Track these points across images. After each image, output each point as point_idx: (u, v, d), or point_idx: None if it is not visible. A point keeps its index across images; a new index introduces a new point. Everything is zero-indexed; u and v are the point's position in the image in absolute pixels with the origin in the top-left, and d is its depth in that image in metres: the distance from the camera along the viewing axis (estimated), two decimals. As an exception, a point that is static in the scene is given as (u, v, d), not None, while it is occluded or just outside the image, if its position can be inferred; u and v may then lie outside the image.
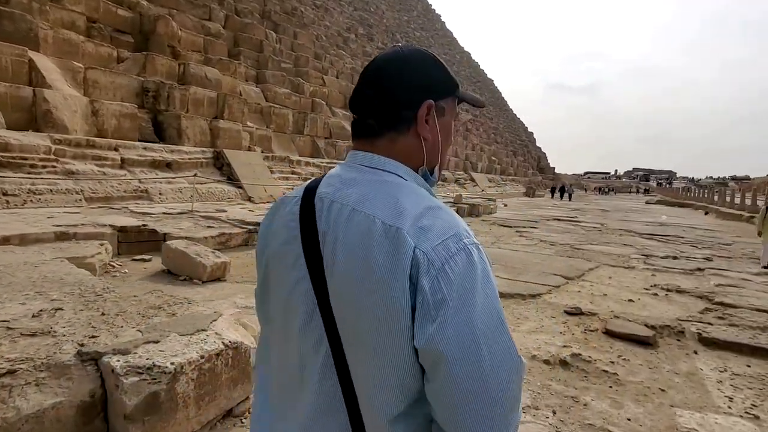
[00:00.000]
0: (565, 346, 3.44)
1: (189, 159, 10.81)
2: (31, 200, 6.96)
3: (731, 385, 2.96)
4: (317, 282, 0.72)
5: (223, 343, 2.23)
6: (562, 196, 33.29)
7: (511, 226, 12.41)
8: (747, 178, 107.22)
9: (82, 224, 5.58)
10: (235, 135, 14.41)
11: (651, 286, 5.65)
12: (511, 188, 36.38)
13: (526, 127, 73.01)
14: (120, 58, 13.90)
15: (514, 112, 73.27)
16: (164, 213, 7.64)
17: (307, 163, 15.68)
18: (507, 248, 8.21)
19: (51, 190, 7.32)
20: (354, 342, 0.69)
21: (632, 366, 3.17)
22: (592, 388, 2.83)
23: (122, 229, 5.70)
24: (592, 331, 3.82)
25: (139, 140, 11.43)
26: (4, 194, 6.75)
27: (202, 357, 2.08)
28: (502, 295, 4.75)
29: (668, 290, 5.43)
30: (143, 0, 16.09)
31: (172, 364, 1.95)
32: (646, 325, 3.89)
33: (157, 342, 2.12)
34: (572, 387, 2.83)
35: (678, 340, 3.73)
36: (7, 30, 10.54)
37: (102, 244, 5.04)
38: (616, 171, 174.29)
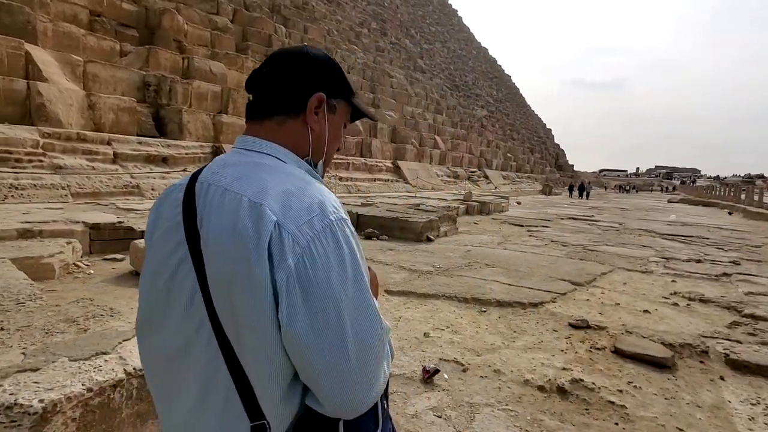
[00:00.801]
0: (565, 368, 2.94)
1: (186, 154, 10.53)
2: (13, 195, 6.71)
3: (766, 423, 2.43)
4: (197, 264, 0.73)
5: (125, 370, 1.81)
6: (580, 195, 32.33)
7: (522, 225, 11.82)
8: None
9: (54, 221, 5.26)
10: (239, 130, 14.09)
11: (671, 293, 5.07)
12: (527, 186, 35.50)
13: (544, 124, 71.58)
14: (123, 52, 13.71)
15: (532, 108, 71.89)
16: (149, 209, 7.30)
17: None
18: (513, 249, 7.66)
19: (35, 185, 7.07)
20: (230, 320, 0.71)
21: (644, 396, 2.65)
22: (593, 426, 2.33)
23: (95, 227, 5.37)
24: (599, 349, 3.30)
25: (139, 135, 11.19)
26: (-15, 189, 6.51)
27: (89, 390, 1.66)
28: (499, 303, 4.25)
29: (690, 299, 4.85)
30: (149, -7, 15.87)
31: (41, 401, 1.54)
32: (663, 343, 3.35)
33: (36, 370, 1.71)
34: (569, 423, 2.34)
35: (701, 362, 3.19)
36: (5, 22, 10.38)
37: (69, 243, 4.70)
38: (637, 169, 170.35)
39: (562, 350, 3.27)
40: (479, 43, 71.49)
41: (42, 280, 4.04)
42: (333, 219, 0.70)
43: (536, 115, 71.08)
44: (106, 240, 5.38)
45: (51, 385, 1.62)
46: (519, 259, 6.66)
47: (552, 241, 8.99)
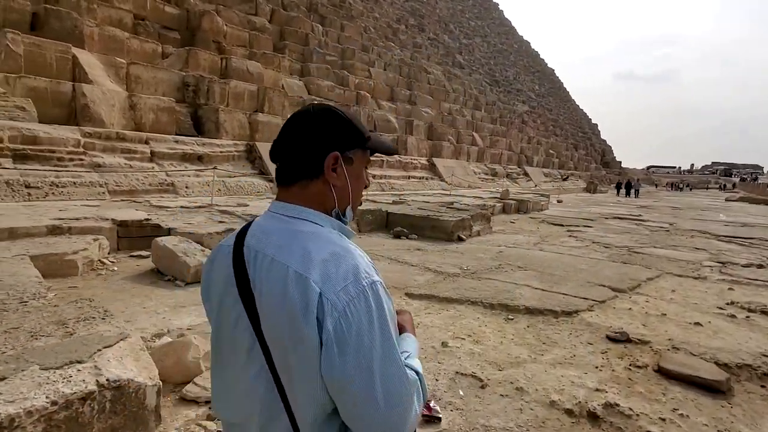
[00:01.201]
0: (598, 389, 2.61)
1: (221, 152, 10.68)
2: (53, 193, 6.97)
3: None
4: (253, 320, 0.86)
5: (98, 381, 1.68)
6: (628, 193, 30.68)
7: (562, 225, 11.23)
8: None
9: (85, 218, 5.37)
10: (274, 129, 14.20)
11: (727, 303, 4.54)
12: (571, 183, 34.11)
13: (590, 119, 68.70)
14: (165, 53, 14.13)
15: (576, 102, 69.17)
16: (183, 207, 7.41)
17: (346, 157, 15.30)
18: (550, 251, 7.22)
19: (74, 183, 7.32)
20: (283, 368, 0.84)
21: (692, 427, 2.29)
22: (627, 461, 2.01)
23: (123, 224, 5.44)
24: (639, 367, 2.93)
25: (177, 134, 11.47)
26: (27, 186, 6.79)
27: (53, 403, 1.54)
28: (528, 311, 3.92)
29: (750, 310, 4.32)
30: (190, -4, 16.30)
31: (-3, 415, 1.42)
32: (716, 363, 2.94)
33: (2, 379, 1.60)
34: (599, 456, 2.03)
35: (762, 386, 2.76)
36: (54, 28, 10.90)
37: (96, 240, 4.77)
38: (691, 165, 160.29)
39: (597, 367, 2.92)
40: (521, 36, 69.50)
41: (65, 277, 4.08)
42: (365, 284, 0.80)
43: (581, 109, 68.36)
44: (133, 237, 5.45)
45: (12, 397, 1.51)
46: (555, 261, 6.24)
47: (593, 242, 8.43)
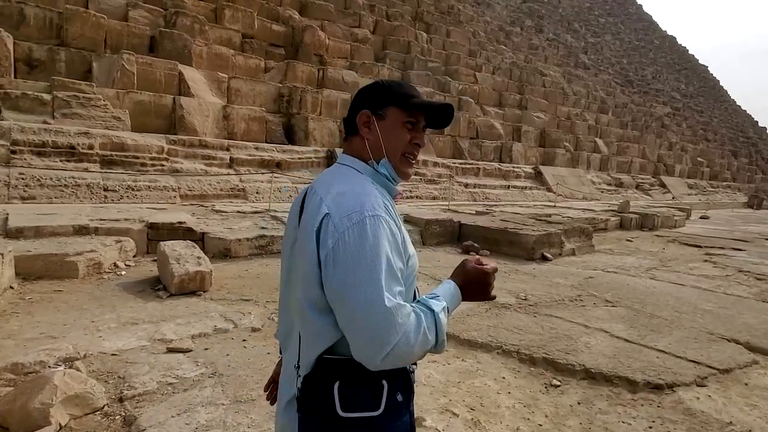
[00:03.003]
0: None
1: (299, 159, 10.58)
2: (128, 196, 7.31)
3: None
4: None
5: None
6: None
7: (699, 246, 8.80)
8: None
9: (125, 219, 5.33)
10: (364, 136, 13.92)
11: None
12: (725, 197, 28.28)
13: (756, 121, 57.28)
14: (267, 68, 14.81)
15: (738, 103, 58.29)
16: (240, 211, 7.24)
17: (435, 164, 14.28)
18: (667, 279, 5.41)
19: (149, 187, 7.63)
20: (304, 283, 0.99)
21: None
22: None
23: (153, 226, 5.28)
24: None
25: (269, 142, 11.75)
26: (105, 190, 7.21)
27: None
28: (588, 375, 2.60)
29: None
30: (295, 14, 17.02)
31: None
32: None
33: None
34: None
35: None
36: (167, 48, 11.97)
37: (119, 241, 4.61)
38: None
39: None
40: (664, 31, 61.18)
41: (63, 279, 3.91)
42: (367, 215, 0.93)
43: (743, 111, 57.41)
44: (164, 240, 5.24)
45: None
46: (666, 295, 4.54)
47: (740, 271, 6.24)
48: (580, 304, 4.10)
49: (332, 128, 13.49)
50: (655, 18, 61.49)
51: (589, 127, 25.15)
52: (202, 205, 7.79)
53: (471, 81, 21.54)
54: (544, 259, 6.58)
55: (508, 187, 14.95)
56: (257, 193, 8.59)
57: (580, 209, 12.35)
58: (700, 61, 61.98)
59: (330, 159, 11.59)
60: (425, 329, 0.91)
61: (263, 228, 6.12)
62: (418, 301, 0.98)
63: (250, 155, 9.81)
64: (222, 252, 5.41)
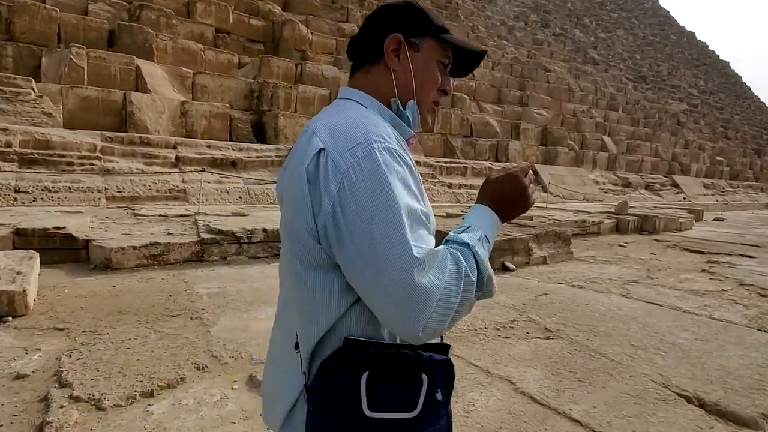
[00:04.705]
0: None
1: (258, 157, 9.73)
2: (43, 198, 6.55)
3: None
4: None
5: None
6: None
7: (702, 252, 7.65)
8: None
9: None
10: (343, 134, 13.03)
11: None
12: (745, 197, 26.52)
13: (782, 118, 54.63)
14: (242, 64, 14.07)
15: (761, 99, 55.71)
16: (162, 215, 6.41)
17: (417, 163, 13.24)
18: (643, 297, 4.35)
19: (70, 188, 6.86)
20: (291, 234, 0.81)
21: None
22: None
23: (20, 233, 4.45)
24: None
25: (235, 141, 10.97)
26: (17, 191, 6.46)
27: None
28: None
29: None
30: (276, 8, 16.28)
31: None
32: None
33: None
34: None
35: None
36: (126, 43, 11.30)
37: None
38: None
39: None
40: (682, 27, 59.03)
41: None
42: (375, 147, 0.73)
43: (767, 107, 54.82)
44: (34, 248, 4.40)
45: None
46: (631, 321, 3.50)
47: (741, 285, 5.12)
48: (505, 334, 3.10)
49: (306, 126, 12.64)
50: (674, 14, 59.30)
51: (596, 125, 23.82)
52: (129, 208, 6.99)
53: (468, 77, 20.47)
54: (505, 269, 5.57)
55: (499, 188, 13.84)
56: (201, 194, 7.76)
57: (573, 211, 11.21)
58: (721, 57, 59.57)
59: (294, 157, 10.75)
60: (467, 271, 0.73)
61: (170, 234, 5.25)
62: (447, 240, 0.80)
63: (199, 153, 9.00)
64: (103, 263, 4.56)
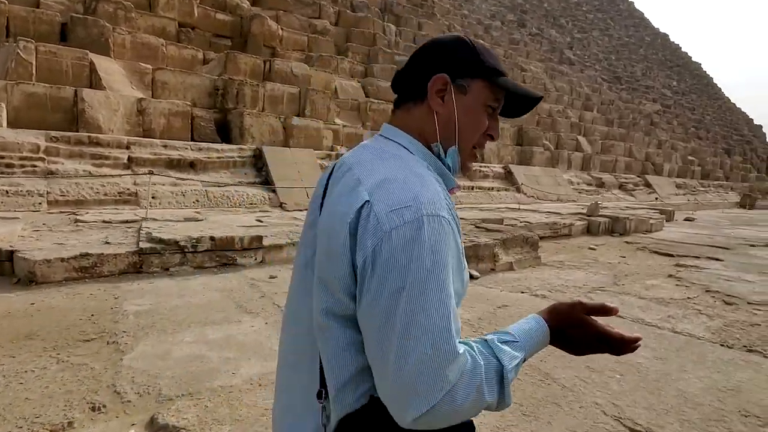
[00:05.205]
0: None
1: (218, 158, 9.30)
2: (-27, 203, 6.04)
3: None
4: None
5: None
6: None
7: (671, 255, 7.58)
8: None
9: None
10: (313, 133, 12.67)
11: None
12: (716, 196, 27.11)
13: (751, 119, 56.39)
14: (206, 60, 13.56)
15: (732, 101, 57.34)
16: (106, 221, 5.98)
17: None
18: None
19: (7, 192, 6.36)
20: (320, 278, 0.76)
21: None
22: None
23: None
24: None
25: (197, 140, 10.50)
26: (-58, 196, 5.93)
27: None
28: None
29: None
30: (244, 3, 15.77)
31: None
32: None
33: None
34: None
35: None
36: (80, 36, 10.72)
37: None
38: None
39: None
40: (656, 29, 60.31)
41: None
42: (425, 213, 0.69)
43: (738, 109, 56.47)
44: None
45: None
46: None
47: (707, 291, 5.00)
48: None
49: (274, 125, 12.21)
50: (648, 16, 60.53)
51: (571, 125, 23.95)
52: (73, 213, 6.52)
53: (443, 76, 20.30)
54: (470, 277, 5.31)
55: (473, 188, 13.68)
56: (153, 197, 7.32)
57: (545, 212, 11.10)
58: (693, 59, 61.04)
59: (258, 159, 10.33)
60: (482, 386, 0.67)
61: (107, 243, 4.84)
62: (485, 340, 0.73)
63: (154, 154, 8.53)
64: (27, 276, 4.14)
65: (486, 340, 0.73)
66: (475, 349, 0.70)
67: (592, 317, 0.81)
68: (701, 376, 2.66)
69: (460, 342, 0.68)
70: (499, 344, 0.72)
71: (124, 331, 3.17)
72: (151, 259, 4.61)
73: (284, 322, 0.92)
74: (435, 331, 0.64)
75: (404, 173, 0.74)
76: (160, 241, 4.74)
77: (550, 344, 0.80)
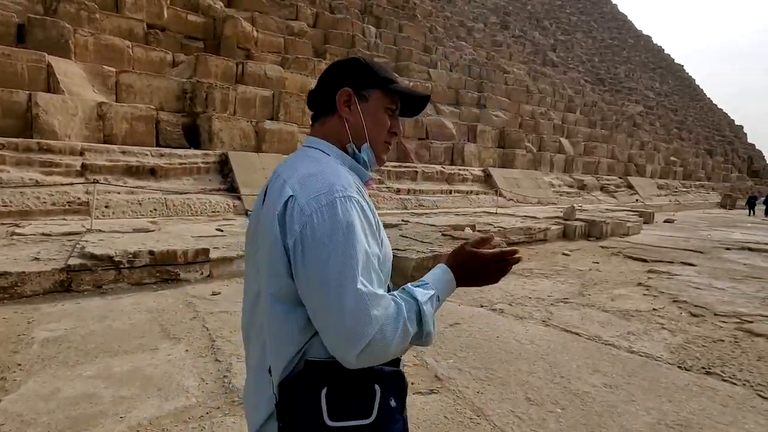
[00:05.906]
0: None
1: (181, 164, 8.93)
2: None
3: None
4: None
5: None
6: (750, 210, 22.80)
7: (645, 260, 7.39)
8: None
9: None
10: (287, 137, 12.32)
11: None
12: (697, 197, 27.25)
13: (732, 120, 57.17)
14: (176, 62, 13.16)
15: (714, 101, 58.11)
16: (45, 233, 5.61)
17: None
18: (566, 322, 3.91)
19: (-60, 203, 5.95)
20: (264, 272, 0.91)
21: None
22: None
23: None
24: None
25: (162, 145, 10.12)
26: None
27: None
28: None
29: None
30: (216, 4, 15.40)
31: None
32: None
33: None
34: None
35: None
36: (38, 38, 10.27)
37: None
38: None
39: None
40: (639, 31, 60.95)
41: None
42: (337, 196, 0.84)
43: (720, 110, 57.22)
44: None
45: None
46: (539, 360, 3.03)
47: (674, 302, 4.78)
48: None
49: (246, 129, 11.85)
50: (631, 18, 61.17)
51: (554, 127, 23.89)
52: (15, 225, 6.13)
53: (424, 78, 20.06)
54: (428, 288, 5.04)
55: (451, 192, 13.44)
56: (106, 207, 6.95)
57: (521, 216, 10.89)
58: (676, 60, 61.80)
59: (224, 164, 9.97)
60: (405, 321, 0.84)
61: (36, 260, 4.48)
62: (403, 289, 0.91)
63: (111, 161, 8.13)
64: (-66, 298, 3.76)
65: (404, 288, 0.91)
66: (397, 295, 0.87)
67: (479, 249, 0.97)
68: (650, 408, 2.41)
69: (384, 293, 0.84)
70: (412, 287, 0.91)
71: (19, 365, 2.83)
72: (81, 276, 4.26)
73: (242, 311, 1.04)
74: (356, 282, 0.79)
75: (320, 168, 0.91)
76: (92, 256, 4.39)
77: (458, 286, 0.98)
